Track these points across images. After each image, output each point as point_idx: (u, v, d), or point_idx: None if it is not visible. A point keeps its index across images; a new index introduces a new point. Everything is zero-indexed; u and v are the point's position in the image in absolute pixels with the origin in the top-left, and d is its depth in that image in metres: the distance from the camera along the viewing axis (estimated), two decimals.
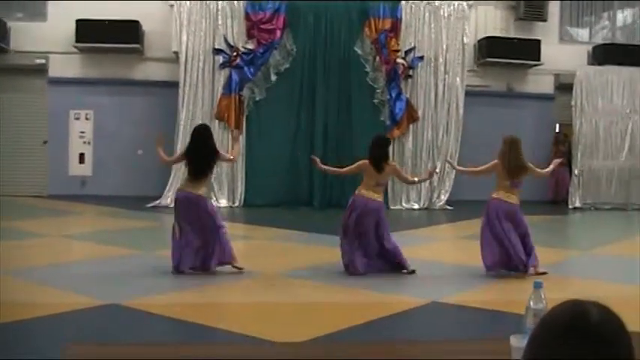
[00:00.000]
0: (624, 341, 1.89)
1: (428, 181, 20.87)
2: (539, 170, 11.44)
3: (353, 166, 11.29)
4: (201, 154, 10.74)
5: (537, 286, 3.04)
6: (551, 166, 11.74)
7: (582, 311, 1.91)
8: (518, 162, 10.97)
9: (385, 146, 11.37)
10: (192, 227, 10.60)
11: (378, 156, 10.97)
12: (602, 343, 1.85)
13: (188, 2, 20.19)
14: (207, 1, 20.28)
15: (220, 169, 19.98)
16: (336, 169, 12.27)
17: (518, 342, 2.87)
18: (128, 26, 20.76)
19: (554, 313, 1.96)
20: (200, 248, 10.61)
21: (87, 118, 21.54)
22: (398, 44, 20.89)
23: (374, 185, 10.98)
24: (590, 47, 24.00)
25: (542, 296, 3.00)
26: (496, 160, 11.12)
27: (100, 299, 8.70)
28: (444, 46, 21.28)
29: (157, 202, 19.42)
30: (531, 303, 3.01)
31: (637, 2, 25.13)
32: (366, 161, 10.97)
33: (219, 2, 20.32)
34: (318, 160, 11.73)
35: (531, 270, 10.82)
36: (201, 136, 10.89)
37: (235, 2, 20.39)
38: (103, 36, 20.57)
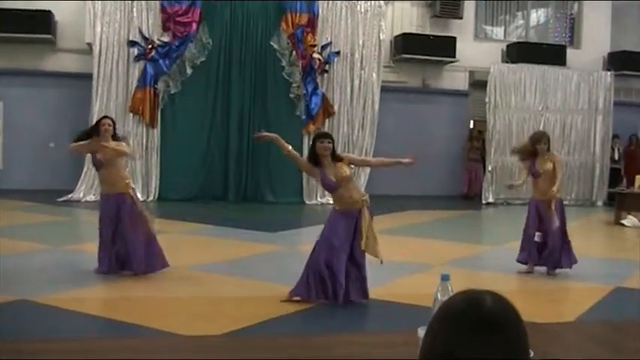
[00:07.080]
0: (517, 327, 1.91)
1: None
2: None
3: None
4: None
5: (444, 278, 3.05)
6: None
7: (476, 299, 1.93)
8: None
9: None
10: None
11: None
12: (494, 329, 1.87)
13: None
14: None
15: (134, 163, 19.73)
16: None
17: None
18: (40, 16, 20.27)
19: (449, 302, 1.98)
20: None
21: None
22: (314, 39, 20.91)
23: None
24: (504, 45, 24.41)
25: (449, 288, 3.01)
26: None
27: (9, 295, 8.53)
28: (361, 42, 21.37)
29: (69, 196, 19.06)
30: (438, 295, 3.01)
31: (550, 2, 25.67)
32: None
33: None
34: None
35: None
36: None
37: None
38: (13, 25, 20.03)
